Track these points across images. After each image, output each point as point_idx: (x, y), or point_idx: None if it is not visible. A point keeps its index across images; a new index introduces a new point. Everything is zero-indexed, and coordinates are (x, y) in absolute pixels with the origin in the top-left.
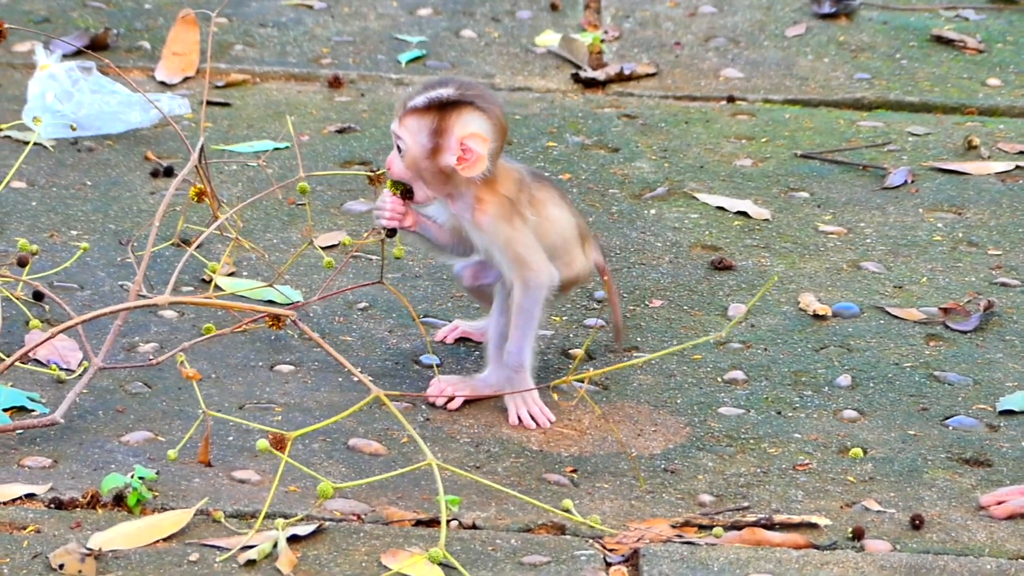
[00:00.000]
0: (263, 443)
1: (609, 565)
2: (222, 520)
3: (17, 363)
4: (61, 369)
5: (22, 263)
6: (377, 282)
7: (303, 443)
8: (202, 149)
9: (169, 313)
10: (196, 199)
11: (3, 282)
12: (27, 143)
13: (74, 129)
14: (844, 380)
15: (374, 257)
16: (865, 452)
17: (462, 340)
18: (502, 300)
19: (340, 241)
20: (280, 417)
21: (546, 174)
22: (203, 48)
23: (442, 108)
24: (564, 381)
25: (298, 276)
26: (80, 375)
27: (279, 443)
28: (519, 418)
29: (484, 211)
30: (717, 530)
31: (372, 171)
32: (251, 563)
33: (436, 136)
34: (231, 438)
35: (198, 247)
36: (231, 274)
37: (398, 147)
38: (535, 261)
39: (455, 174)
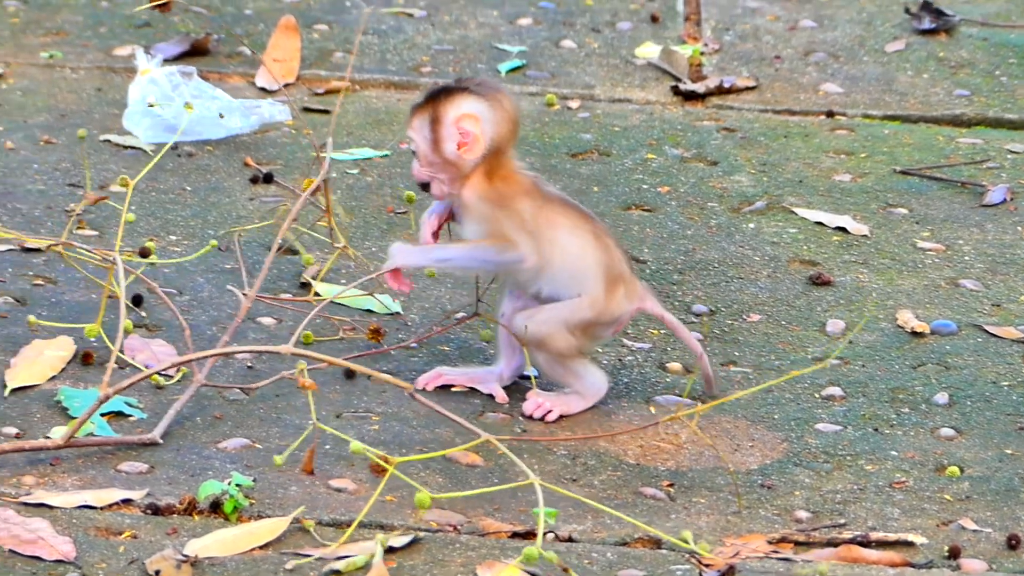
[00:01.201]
0: (356, 445)
1: None
2: (312, 530)
3: (114, 366)
4: (160, 375)
5: (144, 254)
6: (474, 315)
7: (400, 452)
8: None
9: (267, 320)
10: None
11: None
12: (127, 147)
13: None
14: (941, 398)
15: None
16: (962, 471)
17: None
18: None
19: None
20: (377, 427)
21: (586, 208)
22: (304, 54)
23: (437, 98)
24: (675, 417)
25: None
26: (178, 381)
27: (381, 469)
28: None
29: (472, 188)
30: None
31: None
32: (345, 573)
33: (435, 126)
34: (328, 446)
35: (295, 253)
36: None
37: (413, 151)
38: (519, 239)
39: (461, 161)
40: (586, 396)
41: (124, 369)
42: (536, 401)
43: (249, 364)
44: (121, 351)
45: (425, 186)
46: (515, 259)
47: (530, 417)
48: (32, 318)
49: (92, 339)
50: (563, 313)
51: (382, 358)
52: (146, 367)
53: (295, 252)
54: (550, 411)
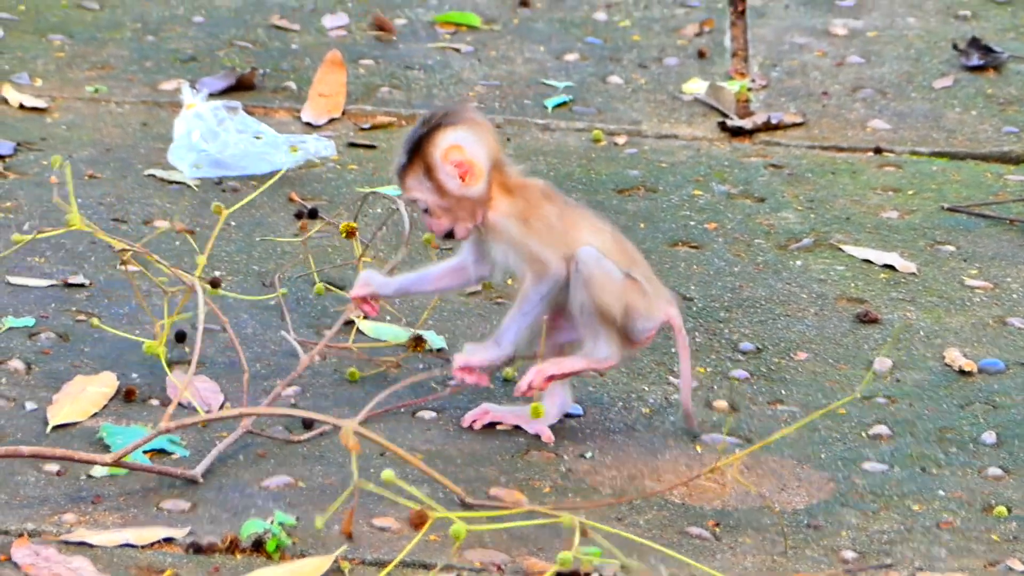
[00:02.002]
0: (388, 473)
1: None
2: (346, 571)
3: (156, 400)
4: (206, 412)
5: (214, 284)
6: (533, 355)
7: (443, 491)
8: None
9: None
10: (346, 236)
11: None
12: (172, 182)
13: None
14: (989, 437)
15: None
16: (1010, 511)
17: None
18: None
19: (482, 285)
20: (422, 464)
21: (602, 215)
22: (350, 89)
23: (417, 149)
24: (716, 468)
25: (441, 321)
26: (222, 420)
27: (420, 521)
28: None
29: (496, 209)
30: None
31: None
32: None
33: (429, 174)
34: (372, 483)
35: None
36: (366, 317)
37: (423, 210)
38: (549, 257)
39: (471, 192)
40: (587, 359)
41: (163, 404)
42: (535, 369)
43: (293, 402)
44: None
45: (449, 235)
46: (553, 280)
47: (581, 456)
48: (95, 320)
49: (153, 356)
50: (621, 277)
51: (429, 394)
52: (202, 408)
53: (341, 288)
54: (552, 376)
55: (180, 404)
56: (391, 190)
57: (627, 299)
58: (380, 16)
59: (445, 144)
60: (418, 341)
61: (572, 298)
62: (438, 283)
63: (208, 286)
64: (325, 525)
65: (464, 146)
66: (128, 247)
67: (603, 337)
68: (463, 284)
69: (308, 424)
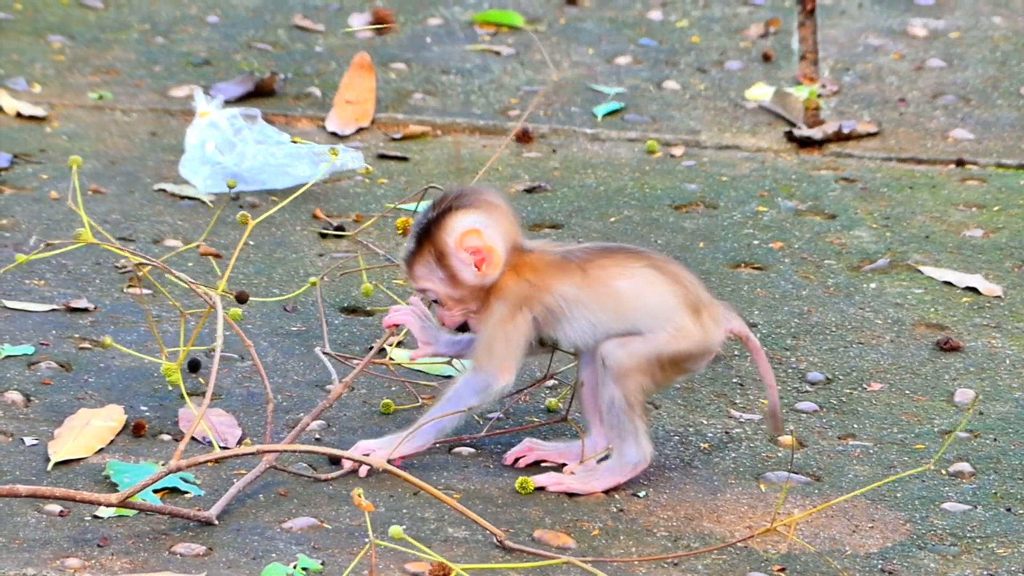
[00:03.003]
0: (396, 530)
1: None
2: None
3: (167, 435)
4: (221, 448)
5: (241, 299)
6: (562, 419)
7: (483, 534)
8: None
9: (336, 386)
10: (403, 233)
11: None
12: (184, 198)
13: (232, 186)
14: None
15: None
16: None
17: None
18: (591, 370)
19: None
20: (457, 504)
21: (632, 245)
22: (379, 96)
23: (428, 235)
24: (789, 522)
25: None
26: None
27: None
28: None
29: (499, 291)
30: None
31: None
32: None
33: (442, 261)
34: (405, 526)
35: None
36: (400, 344)
37: (432, 301)
38: (501, 362)
39: (487, 280)
40: (619, 471)
41: (175, 439)
42: (554, 478)
43: (317, 437)
44: (176, 419)
45: (463, 327)
46: (492, 392)
47: (635, 495)
48: (108, 339)
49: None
50: (655, 345)
51: (465, 429)
52: (219, 443)
53: (370, 313)
54: (560, 484)
55: (194, 439)
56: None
57: (669, 355)
58: (380, 9)
59: (460, 229)
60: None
61: (601, 396)
62: None
63: (230, 304)
64: (354, 570)
65: (482, 231)
66: (146, 261)
67: (631, 438)
68: None
69: (335, 460)
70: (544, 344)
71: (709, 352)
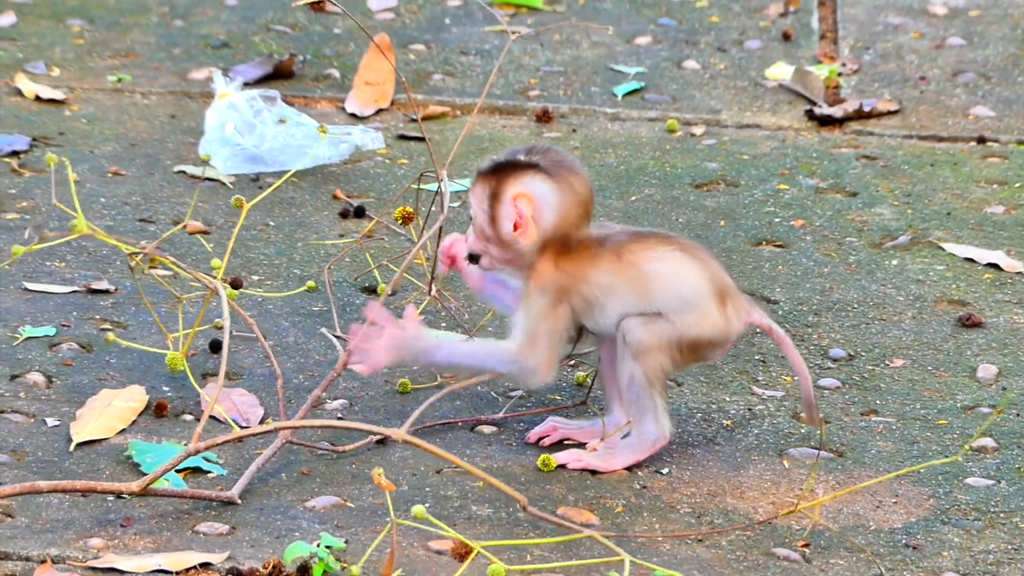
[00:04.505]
0: (419, 509)
1: None
2: None
3: (189, 415)
4: (240, 427)
5: (235, 285)
6: (581, 403)
7: (506, 511)
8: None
9: (359, 365)
10: (402, 222)
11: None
12: (204, 179)
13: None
14: None
15: None
16: None
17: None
18: (610, 345)
19: None
20: (482, 482)
21: (665, 231)
22: (399, 77)
23: (503, 170)
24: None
25: (501, 330)
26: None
27: (463, 554)
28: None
29: (536, 278)
30: None
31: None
32: None
33: (493, 201)
34: (428, 504)
35: (392, 294)
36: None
37: (469, 218)
38: (547, 358)
39: (517, 245)
40: (638, 447)
41: (196, 419)
42: (574, 455)
43: (340, 415)
44: (198, 400)
45: (474, 258)
46: (518, 369)
47: (659, 472)
48: (111, 335)
49: (175, 371)
50: (677, 328)
51: (487, 407)
52: (236, 422)
53: (393, 293)
54: (579, 461)
55: (217, 420)
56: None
57: (690, 339)
58: None
59: (519, 187)
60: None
61: (620, 371)
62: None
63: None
64: (377, 549)
65: (535, 202)
66: (137, 250)
67: (650, 414)
68: None
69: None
70: (579, 336)
71: (728, 341)
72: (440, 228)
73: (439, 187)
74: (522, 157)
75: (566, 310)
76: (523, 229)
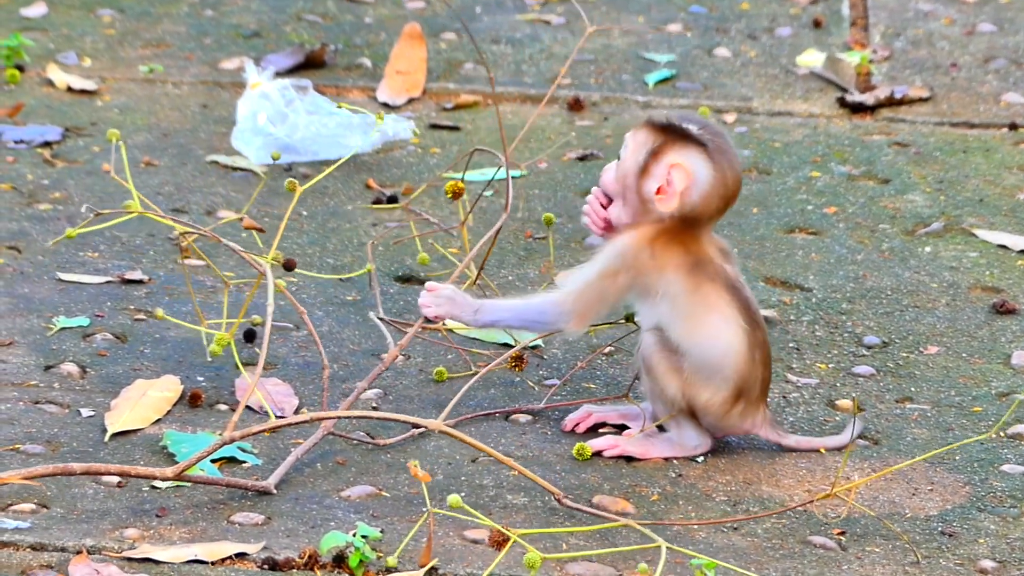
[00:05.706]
0: (454, 498)
1: None
2: None
3: (224, 404)
4: (277, 417)
5: (288, 267)
6: (622, 396)
7: (541, 500)
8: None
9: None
10: (452, 196)
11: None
12: (236, 169)
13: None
14: None
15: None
16: None
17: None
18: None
19: None
20: (518, 466)
21: (758, 308)
22: (430, 66)
23: (670, 133)
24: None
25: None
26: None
27: (500, 542)
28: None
29: (633, 234)
30: None
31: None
32: None
33: (652, 157)
34: (463, 493)
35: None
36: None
37: (619, 155)
38: (584, 310)
39: (651, 206)
40: (678, 446)
41: (231, 409)
42: (610, 441)
43: (375, 405)
44: (232, 389)
45: (607, 225)
46: (557, 317)
47: (692, 459)
48: (160, 311)
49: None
50: (687, 383)
51: (522, 396)
52: (273, 412)
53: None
54: (615, 447)
55: (251, 409)
56: (475, 175)
57: (688, 398)
58: None
59: (683, 159)
60: (518, 361)
61: (644, 380)
62: None
63: (282, 274)
64: (413, 538)
65: (689, 177)
66: (192, 230)
67: (686, 425)
68: None
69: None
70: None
71: (718, 429)
72: (498, 229)
73: (505, 176)
74: (694, 129)
75: (627, 282)
76: (666, 196)
